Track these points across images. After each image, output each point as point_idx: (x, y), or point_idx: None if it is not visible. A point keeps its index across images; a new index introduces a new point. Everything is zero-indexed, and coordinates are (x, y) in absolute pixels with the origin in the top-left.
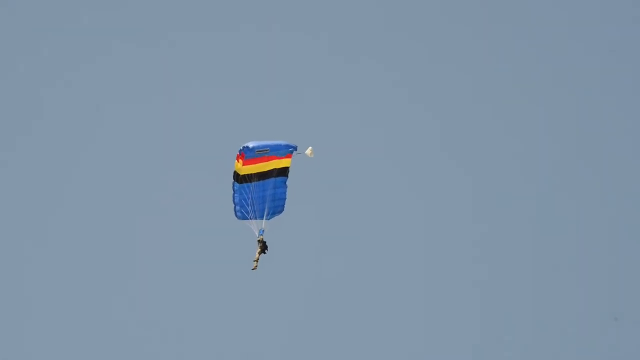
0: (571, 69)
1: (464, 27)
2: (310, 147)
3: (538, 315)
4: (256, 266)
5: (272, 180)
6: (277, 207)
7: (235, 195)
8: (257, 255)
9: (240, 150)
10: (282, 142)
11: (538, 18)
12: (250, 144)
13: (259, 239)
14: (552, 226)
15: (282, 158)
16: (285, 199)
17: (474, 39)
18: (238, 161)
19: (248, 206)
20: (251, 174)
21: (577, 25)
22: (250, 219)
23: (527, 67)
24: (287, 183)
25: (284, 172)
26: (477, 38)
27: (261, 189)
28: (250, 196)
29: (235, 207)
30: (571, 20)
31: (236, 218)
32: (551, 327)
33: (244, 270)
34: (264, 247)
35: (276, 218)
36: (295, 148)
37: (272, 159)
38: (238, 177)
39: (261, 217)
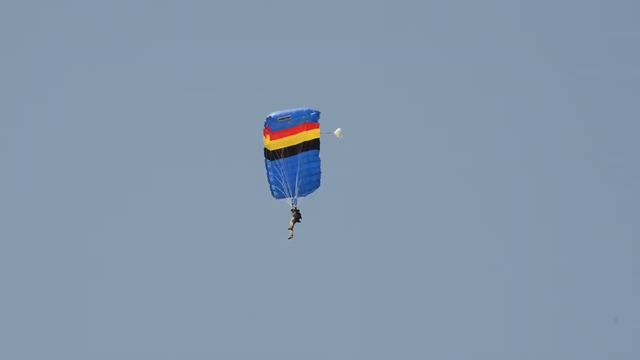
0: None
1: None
2: (339, 128)
3: (538, 315)
4: (292, 235)
5: (304, 154)
6: (312, 183)
7: (270, 173)
8: (292, 223)
9: (265, 124)
10: (304, 108)
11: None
12: (272, 114)
13: (292, 208)
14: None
15: (310, 129)
16: (320, 172)
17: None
18: (265, 136)
19: (283, 184)
20: (280, 149)
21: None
22: (287, 196)
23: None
24: (319, 156)
25: (314, 144)
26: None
27: (294, 164)
28: (284, 173)
29: (271, 187)
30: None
31: (273, 197)
32: (551, 327)
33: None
34: (297, 216)
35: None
36: (317, 113)
37: (299, 131)
38: (268, 154)
39: (299, 194)
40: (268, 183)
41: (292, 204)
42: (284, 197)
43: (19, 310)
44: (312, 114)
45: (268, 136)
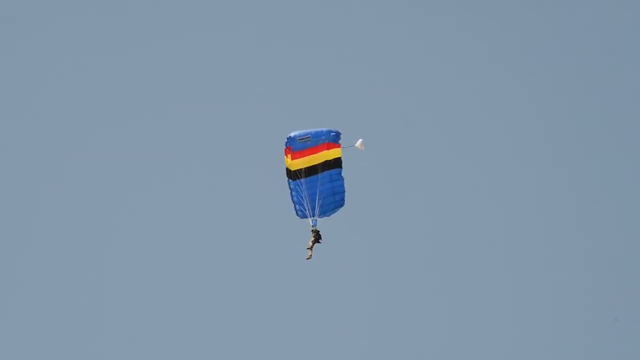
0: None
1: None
2: (360, 140)
3: (538, 315)
4: (310, 255)
5: (326, 173)
6: (337, 202)
7: (293, 193)
8: (311, 244)
9: (285, 143)
10: (324, 128)
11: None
12: (292, 133)
13: (312, 229)
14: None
15: (331, 148)
16: (344, 191)
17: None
18: (287, 156)
19: (305, 204)
20: (302, 169)
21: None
22: (310, 216)
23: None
24: (342, 175)
25: (337, 163)
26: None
27: (317, 184)
28: (305, 193)
29: (295, 206)
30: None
31: (298, 217)
32: (551, 327)
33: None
34: (317, 237)
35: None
36: (337, 133)
37: (320, 150)
38: (290, 173)
39: (323, 214)
40: (292, 203)
41: (312, 224)
42: (307, 217)
43: (23, 310)
44: (332, 134)
45: (289, 155)
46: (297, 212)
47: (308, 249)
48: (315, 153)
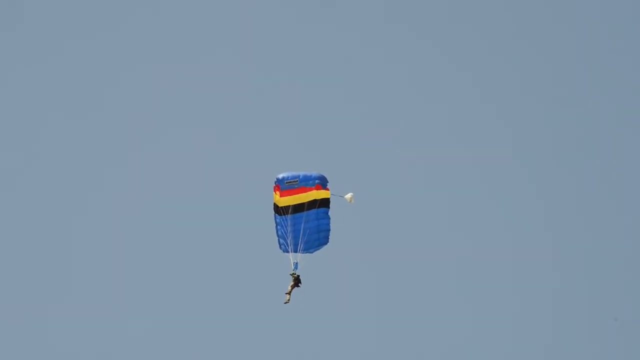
0: None
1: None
2: (350, 193)
3: (537, 315)
4: (289, 300)
5: (313, 211)
6: (321, 239)
7: (278, 227)
8: (290, 288)
9: (275, 182)
10: (314, 173)
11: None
12: (280, 175)
13: (292, 273)
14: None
15: (320, 189)
16: (329, 230)
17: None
18: (275, 192)
19: (291, 239)
20: (289, 206)
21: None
22: (294, 252)
23: None
24: (329, 214)
25: (324, 203)
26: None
27: (303, 220)
28: (293, 229)
29: (279, 240)
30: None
31: (280, 251)
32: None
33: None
34: (297, 281)
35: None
36: (323, 181)
37: (309, 190)
38: (278, 209)
39: (306, 250)
40: (276, 237)
41: (293, 268)
42: (289, 252)
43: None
44: (317, 181)
45: (278, 193)
46: (280, 246)
47: (287, 293)
48: (305, 192)
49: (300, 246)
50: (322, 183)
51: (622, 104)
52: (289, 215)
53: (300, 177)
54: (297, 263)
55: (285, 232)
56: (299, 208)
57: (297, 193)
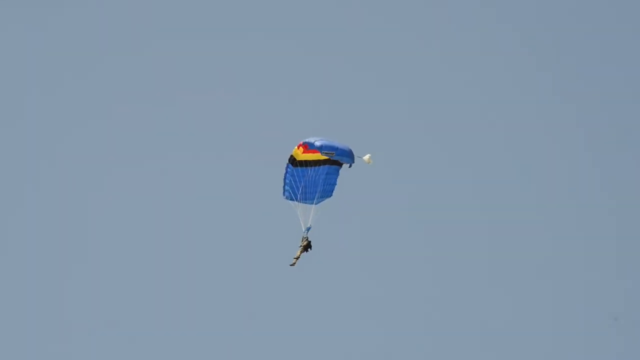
0: None
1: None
2: (368, 155)
3: (537, 315)
4: (295, 263)
5: (326, 167)
6: (326, 192)
7: (287, 175)
8: (299, 253)
9: (304, 142)
10: (347, 149)
11: None
12: (318, 142)
13: (304, 236)
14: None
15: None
16: (335, 184)
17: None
18: (298, 149)
19: (298, 188)
20: (307, 161)
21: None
22: (298, 200)
23: None
24: (339, 172)
25: (339, 163)
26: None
27: (314, 173)
28: (302, 179)
29: (284, 187)
30: None
31: (284, 197)
32: (550, 327)
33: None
34: (307, 246)
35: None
36: (352, 162)
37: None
38: (294, 162)
39: (311, 200)
40: (282, 182)
41: (305, 232)
42: (293, 200)
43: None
44: (347, 159)
45: (301, 149)
46: (284, 192)
47: (295, 257)
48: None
49: (305, 195)
50: (351, 162)
51: None
52: (306, 168)
53: (338, 151)
54: (309, 228)
55: (292, 181)
56: (314, 163)
57: (319, 153)
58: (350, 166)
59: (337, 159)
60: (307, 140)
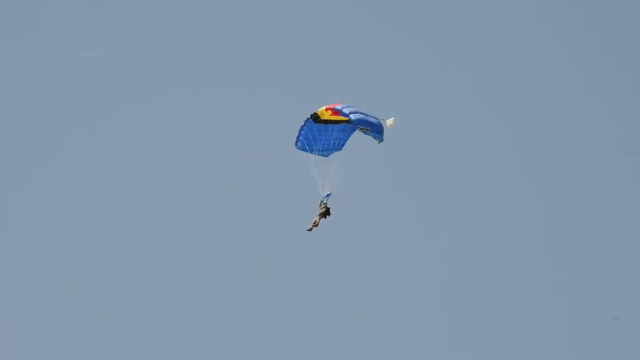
0: None
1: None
2: (392, 118)
3: (537, 315)
4: (312, 228)
5: (343, 124)
6: (338, 145)
7: (305, 129)
8: (317, 218)
9: (335, 108)
10: (381, 126)
11: None
12: (353, 116)
13: (323, 201)
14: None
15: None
16: (347, 140)
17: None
18: (326, 111)
19: (311, 141)
20: (330, 120)
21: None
22: (309, 151)
23: None
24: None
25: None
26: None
27: (331, 129)
28: (320, 134)
29: (299, 137)
30: None
31: (295, 147)
32: (550, 327)
33: None
34: (326, 212)
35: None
36: (382, 140)
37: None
38: (317, 119)
39: (321, 151)
40: (297, 132)
41: (324, 196)
42: (305, 150)
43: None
44: (381, 135)
45: (329, 112)
46: (296, 143)
47: (313, 224)
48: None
49: (318, 147)
50: (381, 139)
51: None
52: (325, 125)
53: (373, 128)
54: (329, 194)
55: (309, 134)
56: (335, 122)
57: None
58: (379, 142)
59: (371, 135)
60: (339, 107)
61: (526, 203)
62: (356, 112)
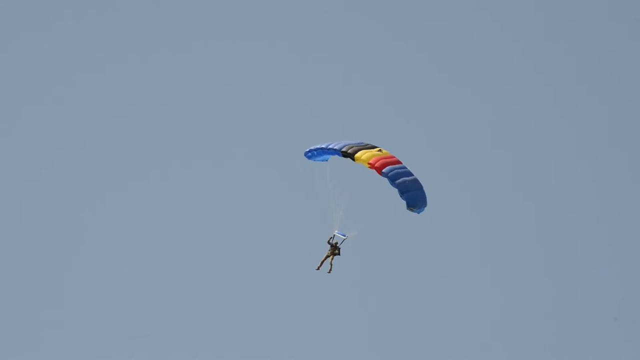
0: None
1: None
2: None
3: (537, 315)
4: (319, 268)
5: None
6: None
7: (326, 152)
8: (324, 258)
9: (382, 172)
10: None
11: None
12: (404, 196)
13: (333, 242)
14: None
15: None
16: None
17: None
18: (367, 164)
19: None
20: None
21: None
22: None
23: None
24: None
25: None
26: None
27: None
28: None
29: (313, 152)
30: None
31: (305, 157)
32: (550, 327)
33: None
34: (335, 251)
35: None
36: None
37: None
38: (346, 154)
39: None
40: (315, 149)
41: (340, 236)
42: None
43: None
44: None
45: (368, 165)
46: (306, 153)
47: (329, 264)
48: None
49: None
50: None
51: None
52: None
53: (416, 211)
54: (344, 237)
55: (323, 154)
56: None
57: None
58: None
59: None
60: (390, 176)
61: (526, 203)
62: (409, 191)
